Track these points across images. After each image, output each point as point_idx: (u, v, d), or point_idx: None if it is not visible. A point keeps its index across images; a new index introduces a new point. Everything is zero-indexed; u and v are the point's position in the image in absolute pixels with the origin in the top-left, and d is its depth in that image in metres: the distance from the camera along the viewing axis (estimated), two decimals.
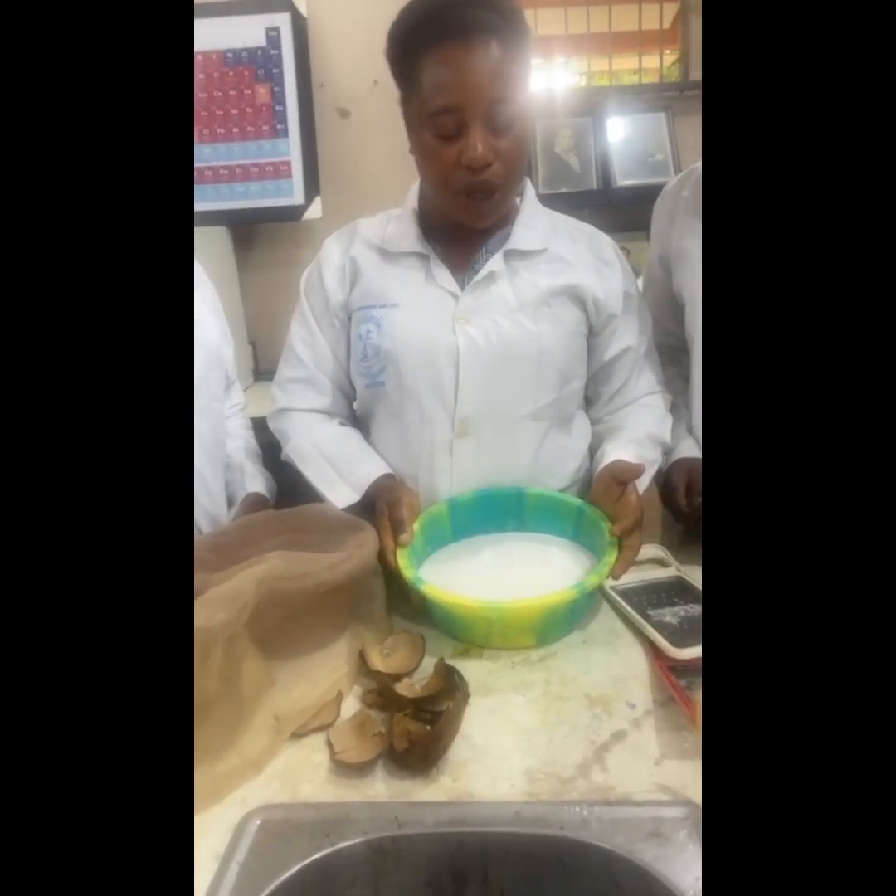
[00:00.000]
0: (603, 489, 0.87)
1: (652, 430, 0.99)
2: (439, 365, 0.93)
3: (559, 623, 0.78)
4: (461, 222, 0.92)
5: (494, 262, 0.94)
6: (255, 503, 1.10)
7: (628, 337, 0.99)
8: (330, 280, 0.99)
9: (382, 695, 0.68)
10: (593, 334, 0.99)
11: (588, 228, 1.02)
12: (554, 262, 0.96)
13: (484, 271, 0.94)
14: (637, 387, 1.02)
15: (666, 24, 2.17)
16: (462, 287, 0.95)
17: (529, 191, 0.99)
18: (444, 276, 0.95)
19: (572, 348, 0.97)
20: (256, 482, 1.14)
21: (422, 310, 0.95)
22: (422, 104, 0.85)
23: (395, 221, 0.99)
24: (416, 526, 0.85)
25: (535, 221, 0.97)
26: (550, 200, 1.10)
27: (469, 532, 0.93)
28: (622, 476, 0.85)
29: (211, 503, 1.06)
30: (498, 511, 0.94)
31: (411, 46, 0.84)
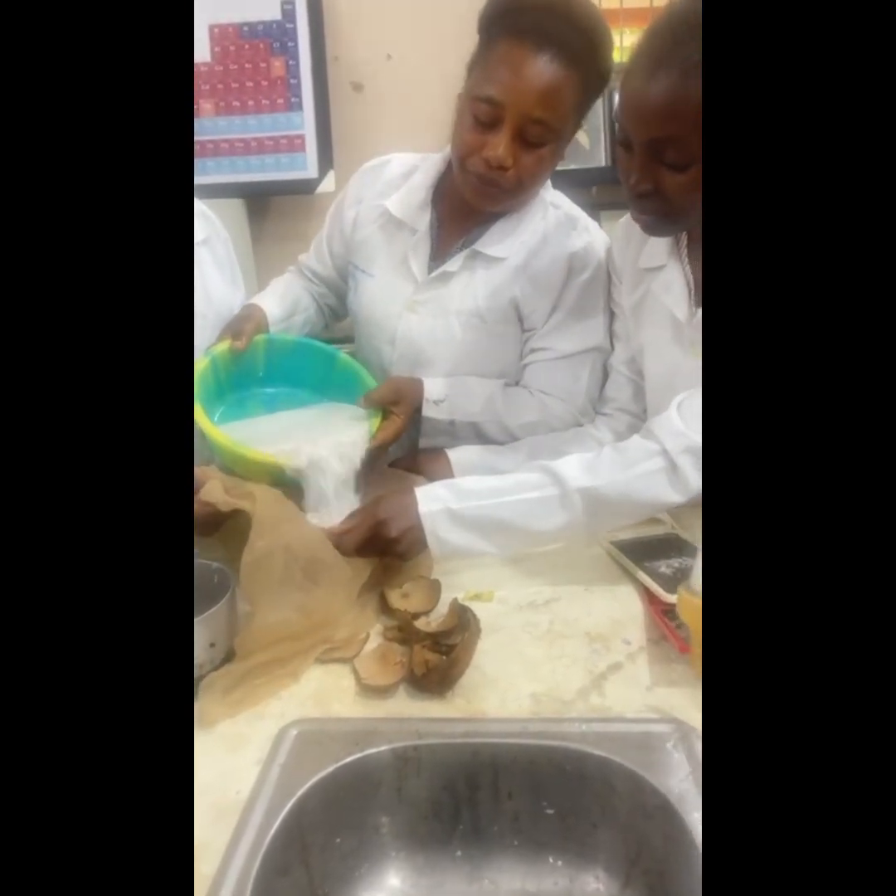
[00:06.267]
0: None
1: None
2: (382, 341, 1.07)
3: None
4: (464, 199, 0.98)
5: (453, 262, 1.02)
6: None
7: (546, 341, 1.05)
8: (347, 214, 1.12)
9: (402, 629, 0.75)
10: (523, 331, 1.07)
11: (574, 245, 1.02)
12: (507, 273, 1.02)
13: (441, 269, 1.03)
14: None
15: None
16: (431, 270, 1.04)
17: (542, 193, 1.04)
18: (418, 260, 1.04)
19: (497, 358, 1.06)
20: None
21: (387, 287, 1.07)
22: (475, 84, 0.90)
23: (412, 179, 1.07)
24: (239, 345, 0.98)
25: (513, 227, 1.02)
26: (560, 177, 1.15)
27: (275, 381, 1.05)
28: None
29: None
30: (308, 369, 1.05)
31: (494, 27, 0.89)
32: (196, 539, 0.81)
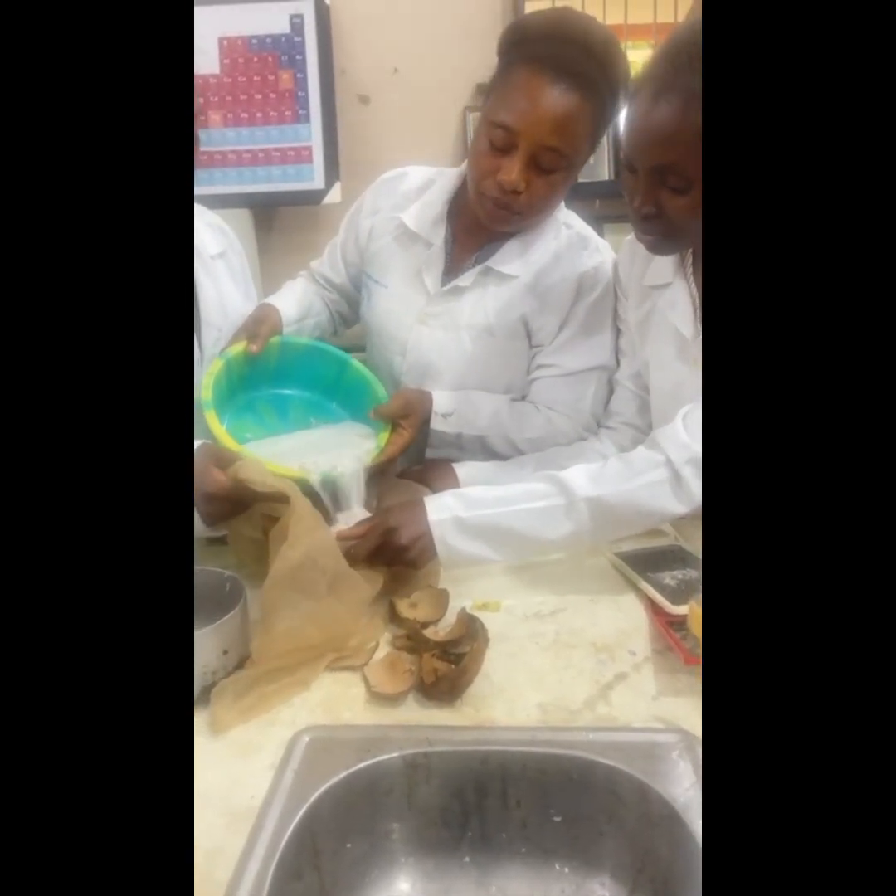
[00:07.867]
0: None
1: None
2: (393, 351, 1.09)
3: None
4: (477, 217, 1.00)
5: (466, 278, 1.04)
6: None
7: (553, 358, 1.07)
8: (363, 224, 1.13)
9: (411, 638, 0.76)
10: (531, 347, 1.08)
11: (585, 265, 1.03)
12: (518, 290, 1.03)
13: (453, 283, 1.04)
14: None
15: (680, 17, 2.21)
16: (444, 284, 1.05)
17: (556, 212, 1.05)
18: (432, 273, 1.06)
19: (505, 372, 1.08)
20: None
21: (400, 299, 1.08)
22: (491, 108, 0.92)
23: (428, 193, 1.08)
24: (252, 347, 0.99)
25: (526, 245, 1.04)
26: None
27: (286, 383, 1.06)
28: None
29: None
30: (319, 373, 1.07)
31: (512, 53, 0.90)
32: (215, 527, 0.83)
